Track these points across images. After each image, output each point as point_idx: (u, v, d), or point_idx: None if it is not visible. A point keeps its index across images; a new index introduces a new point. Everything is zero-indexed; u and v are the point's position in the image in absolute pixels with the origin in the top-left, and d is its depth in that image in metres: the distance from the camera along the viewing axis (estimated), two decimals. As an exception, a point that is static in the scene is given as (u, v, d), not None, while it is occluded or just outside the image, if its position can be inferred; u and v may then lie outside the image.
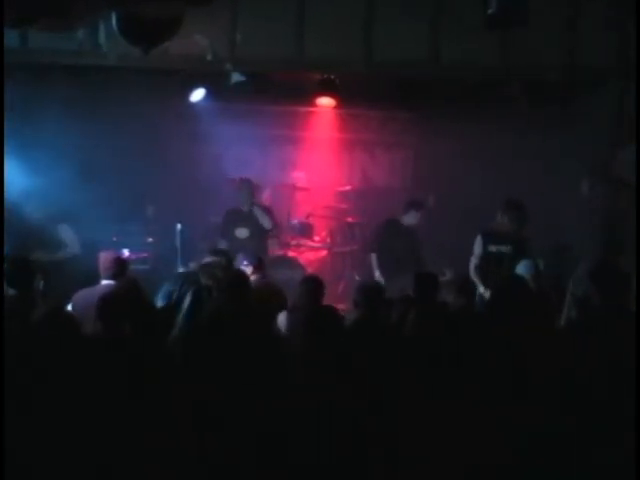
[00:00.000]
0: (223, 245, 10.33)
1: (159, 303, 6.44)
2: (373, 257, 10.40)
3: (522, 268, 8.08)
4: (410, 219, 10.33)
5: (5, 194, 9.25)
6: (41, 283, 7.10)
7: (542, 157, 10.95)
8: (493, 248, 9.15)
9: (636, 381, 4.58)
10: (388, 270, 10.09)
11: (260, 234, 10.73)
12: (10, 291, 6.82)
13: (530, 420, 4.47)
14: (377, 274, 10.21)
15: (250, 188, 10.92)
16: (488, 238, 9.23)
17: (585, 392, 4.63)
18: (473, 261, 9.23)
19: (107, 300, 5.78)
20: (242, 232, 10.60)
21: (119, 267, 7.38)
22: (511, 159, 11.30)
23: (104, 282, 7.26)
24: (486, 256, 9.17)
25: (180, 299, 6.35)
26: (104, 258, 7.41)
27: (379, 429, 4.34)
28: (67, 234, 9.61)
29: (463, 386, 4.66)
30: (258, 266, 8.43)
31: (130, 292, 6.39)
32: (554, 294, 7.57)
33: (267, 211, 10.86)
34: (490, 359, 4.96)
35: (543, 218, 9.92)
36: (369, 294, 6.81)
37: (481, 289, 8.76)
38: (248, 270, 8.29)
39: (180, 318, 6.10)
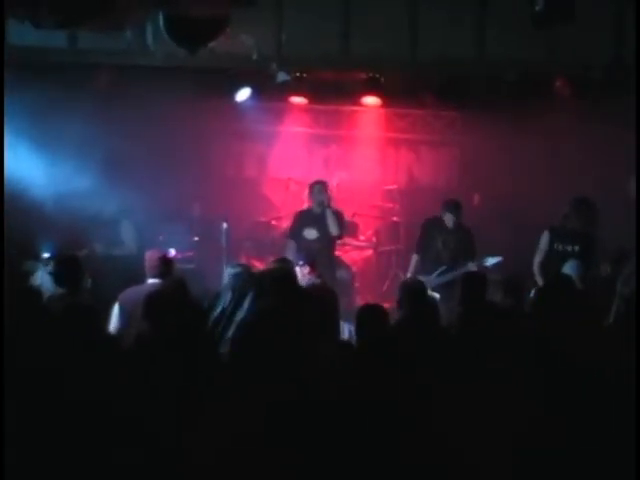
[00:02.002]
0: (292, 245, 10.33)
1: (222, 301, 6.49)
2: (414, 258, 10.22)
3: (569, 268, 8.01)
4: (448, 220, 9.96)
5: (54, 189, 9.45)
6: (89, 282, 7.17)
7: (588, 155, 10.86)
8: (559, 247, 8.91)
9: (636, 379, 4.53)
10: (428, 270, 9.86)
11: (329, 237, 10.45)
12: (59, 290, 6.92)
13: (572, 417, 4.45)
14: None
15: (324, 190, 10.54)
16: (555, 235, 9.00)
17: (621, 391, 4.58)
18: (537, 257, 9.05)
19: (153, 299, 5.84)
20: (311, 233, 10.37)
21: (165, 266, 7.42)
22: (556, 156, 11.22)
23: (150, 281, 7.32)
24: (550, 253, 8.98)
25: (242, 297, 6.39)
26: (150, 257, 7.46)
27: (423, 429, 4.33)
28: (128, 232, 9.74)
29: (506, 384, 4.64)
30: (314, 266, 8.46)
31: (176, 291, 6.44)
32: (599, 294, 7.49)
33: (338, 216, 10.51)
34: (530, 356, 4.94)
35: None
36: (413, 293, 6.79)
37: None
38: (305, 270, 8.31)
39: (240, 317, 6.14)
